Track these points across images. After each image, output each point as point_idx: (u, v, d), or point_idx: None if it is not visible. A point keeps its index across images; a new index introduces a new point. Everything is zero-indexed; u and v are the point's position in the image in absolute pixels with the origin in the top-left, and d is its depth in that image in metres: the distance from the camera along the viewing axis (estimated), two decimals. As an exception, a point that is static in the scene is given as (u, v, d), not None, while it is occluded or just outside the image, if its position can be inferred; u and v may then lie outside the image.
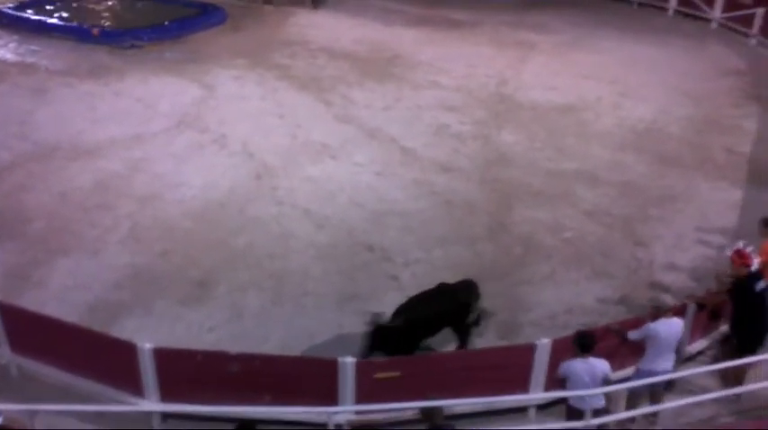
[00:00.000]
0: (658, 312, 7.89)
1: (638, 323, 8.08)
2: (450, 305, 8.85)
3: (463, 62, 18.77)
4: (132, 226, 11.66)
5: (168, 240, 11.35)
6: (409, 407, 7.55)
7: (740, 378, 8.30)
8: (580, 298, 10.26)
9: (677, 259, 11.17)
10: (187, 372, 7.94)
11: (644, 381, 7.75)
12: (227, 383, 7.89)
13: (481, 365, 8.14)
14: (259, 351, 8.50)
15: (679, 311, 8.32)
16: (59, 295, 10.02)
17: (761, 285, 8.18)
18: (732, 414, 8.16)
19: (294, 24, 21.54)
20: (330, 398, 7.83)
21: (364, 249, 11.31)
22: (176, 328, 9.51)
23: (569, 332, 8.34)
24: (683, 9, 23.11)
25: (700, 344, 9.06)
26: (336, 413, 7.83)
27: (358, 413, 7.97)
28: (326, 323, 9.68)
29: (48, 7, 21.51)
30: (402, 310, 8.67)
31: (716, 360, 8.76)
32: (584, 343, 7.40)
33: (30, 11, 20.92)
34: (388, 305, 9.02)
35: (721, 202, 12.70)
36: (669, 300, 8.93)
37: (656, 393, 7.95)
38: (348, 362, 7.73)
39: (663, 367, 7.77)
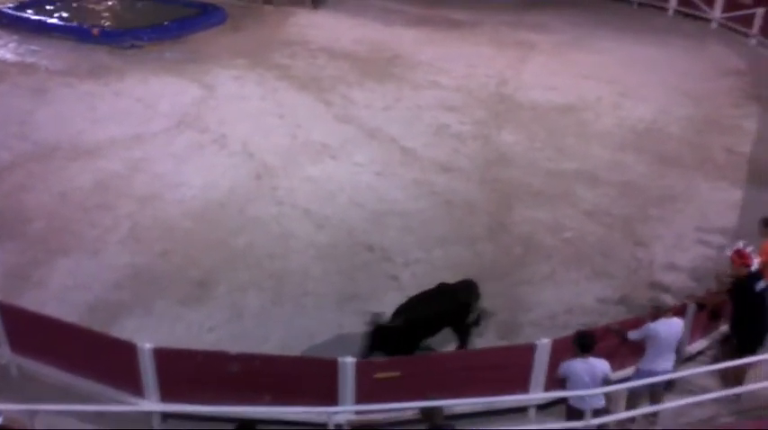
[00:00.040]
0: (658, 312, 7.89)
1: (638, 323, 8.08)
2: (450, 305, 8.85)
3: (463, 62, 18.77)
4: (132, 226, 11.66)
5: (168, 240, 11.35)
6: (409, 408, 7.55)
7: (740, 378, 8.30)
8: (580, 298, 10.26)
9: (677, 259, 11.17)
10: (187, 372, 7.94)
11: (644, 381, 7.74)
12: (228, 383, 7.89)
13: (481, 365, 8.14)
14: (259, 351, 8.50)
15: (679, 311, 8.32)
16: (59, 295, 10.02)
17: (761, 285, 8.18)
18: (732, 414, 8.16)
19: (294, 24, 21.54)
20: (330, 398, 7.82)
21: (364, 249, 11.30)
22: (176, 328, 9.51)
23: (569, 332, 8.34)
24: (682, 9, 23.12)
25: (700, 345, 9.05)
26: (336, 413, 7.84)
27: (358, 413, 7.96)
28: (326, 323, 9.67)
29: (48, 7, 21.51)
30: (402, 310, 8.67)
31: (716, 360, 8.75)
32: (584, 343, 7.39)
33: (30, 11, 20.92)
34: (388, 305, 9.02)
35: (721, 202, 12.70)
36: (669, 299, 8.93)
37: (655, 393, 7.95)
38: (348, 362, 7.72)
39: (663, 367, 7.77)
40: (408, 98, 16.68)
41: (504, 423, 8.09)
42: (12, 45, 19.18)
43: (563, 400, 7.84)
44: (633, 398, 7.98)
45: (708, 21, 22.36)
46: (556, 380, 7.93)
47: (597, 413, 7.44)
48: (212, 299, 10.14)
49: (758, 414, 8.05)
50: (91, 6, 22.32)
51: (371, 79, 17.61)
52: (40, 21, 20.26)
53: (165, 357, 7.87)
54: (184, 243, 11.30)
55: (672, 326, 7.79)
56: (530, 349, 8.11)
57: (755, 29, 20.84)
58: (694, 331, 8.84)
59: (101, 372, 8.15)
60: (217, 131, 14.80)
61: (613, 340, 8.16)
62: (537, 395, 8.20)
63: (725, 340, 8.83)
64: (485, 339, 9.33)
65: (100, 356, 8.11)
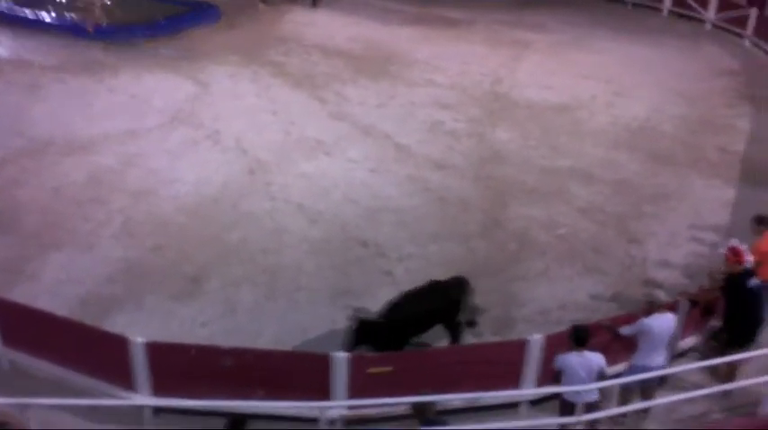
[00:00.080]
0: (652, 307, 7.89)
1: (630, 319, 8.10)
2: (442, 302, 8.86)
3: (458, 60, 18.77)
4: (125, 221, 11.63)
5: (161, 235, 11.33)
6: (402, 403, 7.54)
7: (731, 374, 8.32)
8: (573, 294, 10.28)
9: (670, 256, 11.21)
10: (179, 367, 7.92)
11: (637, 377, 7.75)
12: (220, 378, 7.87)
13: (474, 361, 8.14)
14: (252, 346, 8.49)
15: (672, 308, 8.33)
16: (51, 289, 9.99)
17: (753, 282, 8.21)
18: (723, 410, 8.18)
19: (289, 22, 21.50)
20: (323, 392, 7.82)
21: (358, 245, 11.30)
22: (169, 323, 9.50)
23: (562, 328, 8.36)
24: (677, 10, 23.17)
25: (692, 341, 9.06)
26: (329, 408, 7.83)
27: (351, 408, 7.96)
28: (320, 318, 9.67)
29: (42, 3, 21.38)
30: (390, 306, 8.68)
31: (707, 356, 8.76)
32: (579, 336, 7.41)
33: (24, 7, 20.80)
34: (381, 300, 9.03)
35: (714, 200, 12.75)
36: (662, 296, 8.93)
37: (648, 389, 7.96)
38: (341, 356, 7.73)
39: (656, 362, 7.79)
40: (403, 95, 16.67)
41: (496, 418, 8.09)
42: (6, 41, 19.08)
43: (555, 396, 7.85)
44: (626, 394, 7.99)
45: (702, 21, 22.42)
46: (548, 376, 7.95)
47: (590, 407, 7.46)
48: (205, 294, 10.13)
49: (748, 410, 8.07)
50: (85, 2, 22.20)
51: (366, 77, 17.60)
52: (34, 17, 20.16)
53: (157, 351, 7.85)
54: (178, 238, 11.28)
55: (665, 322, 7.81)
56: (522, 345, 8.11)
57: (749, 30, 20.91)
58: (686, 327, 8.85)
59: (93, 367, 8.13)
60: (211, 128, 14.77)
61: (605, 336, 8.17)
62: (530, 390, 8.21)
63: (715, 335, 8.82)
64: (478, 335, 9.32)
65: (92, 350, 8.09)
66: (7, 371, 8.56)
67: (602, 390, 7.59)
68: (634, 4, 24.04)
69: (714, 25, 22.17)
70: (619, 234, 11.73)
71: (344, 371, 7.76)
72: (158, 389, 7.98)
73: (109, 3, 22.01)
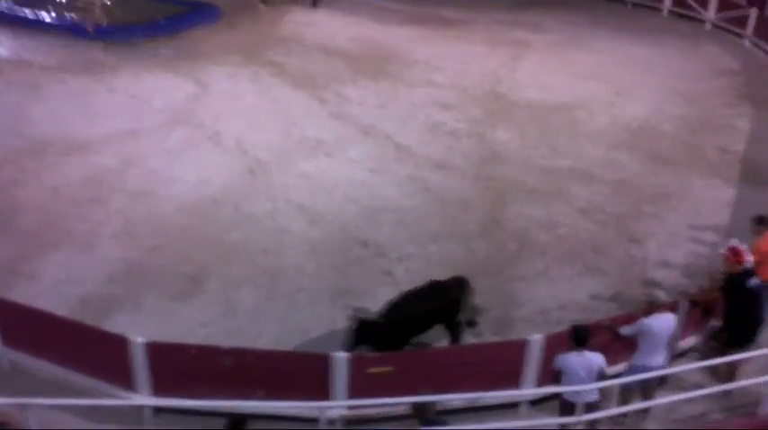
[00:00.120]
0: (652, 307, 7.89)
1: (630, 319, 8.09)
2: (441, 302, 8.85)
3: (458, 60, 18.76)
4: (125, 221, 11.63)
5: (161, 235, 11.32)
6: (401, 403, 7.54)
7: (731, 374, 8.32)
8: (573, 294, 10.28)
9: (670, 256, 11.20)
10: (179, 367, 7.91)
11: (638, 377, 7.74)
12: (220, 378, 7.87)
13: (474, 361, 8.14)
14: (252, 346, 8.48)
15: (672, 308, 8.32)
16: (51, 289, 9.98)
17: (753, 282, 8.21)
18: (723, 410, 8.17)
19: (289, 22, 21.48)
20: (323, 392, 7.82)
21: (358, 245, 11.30)
22: (169, 324, 9.48)
23: (562, 328, 8.37)
24: (677, 10, 23.17)
25: (691, 341, 9.06)
26: (329, 408, 7.83)
27: (350, 408, 7.96)
28: (320, 318, 9.67)
29: (42, 3, 21.37)
30: (390, 306, 8.67)
31: (707, 356, 8.76)
32: (579, 336, 7.40)
33: (24, 7, 20.79)
34: (381, 300, 9.04)
35: (714, 201, 12.75)
36: (662, 296, 8.93)
37: (648, 388, 7.96)
38: (341, 356, 7.73)
39: (656, 362, 7.78)
40: (403, 96, 16.67)
41: (496, 418, 8.09)
42: (5, 41, 19.09)
43: (555, 396, 7.84)
44: (626, 394, 7.99)
45: (702, 21, 22.42)
46: (548, 376, 7.94)
47: (590, 407, 7.46)
48: (205, 294, 10.13)
49: (748, 410, 8.06)
50: (86, 2, 22.20)
51: (366, 77, 17.59)
52: (34, 16, 20.16)
53: (157, 351, 7.85)
54: (177, 238, 11.28)
55: (665, 322, 7.81)
56: (522, 345, 8.11)
57: (749, 30, 20.91)
58: (687, 328, 8.85)
59: (93, 367, 8.13)
60: (211, 128, 14.77)
61: (605, 336, 8.16)
62: (530, 391, 8.21)
63: (715, 334, 8.81)
64: (478, 335, 9.32)
65: (92, 350, 8.09)
66: (7, 371, 8.56)
67: (602, 390, 7.59)
68: (634, 4, 24.02)
69: (714, 25, 22.17)
70: (619, 234, 11.73)
71: (344, 371, 7.76)
72: (158, 390, 7.98)
73: (109, 3, 21.99)
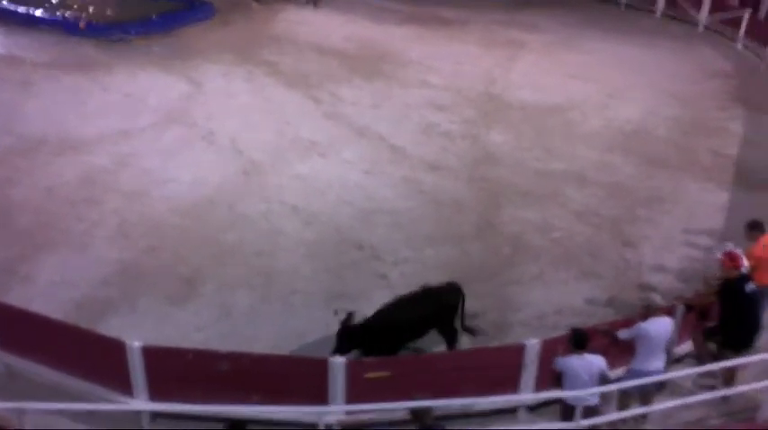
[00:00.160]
0: (648, 311, 7.91)
1: (627, 324, 8.10)
2: (434, 307, 8.80)
3: (452, 61, 18.77)
4: (120, 221, 11.57)
5: (156, 236, 11.28)
6: (399, 408, 7.53)
7: (730, 379, 8.36)
8: (569, 298, 10.30)
9: (665, 260, 11.24)
10: (176, 371, 7.88)
11: (636, 382, 7.77)
12: (217, 382, 7.84)
13: (471, 366, 8.14)
14: (248, 350, 8.44)
15: (669, 312, 8.35)
16: (46, 291, 9.92)
17: (750, 287, 8.24)
18: (722, 415, 8.21)
19: (283, 20, 21.42)
20: (320, 397, 7.80)
21: (353, 247, 11.29)
22: (164, 327, 9.44)
23: (559, 332, 8.41)
24: (670, 12, 23.25)
25: (688, 346, 9.09)
26: (327, 413, 7.82)
27: (348, 413, 7.94)
28: (315, 322, 9.63)
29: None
30: (379, 311, 8.66)
31: (703, 361, 8.78)
32: (578, 339, 7.43)
33: (15, 2, 20.63)
34: (376, 304, 9.00)
35: (708, 204, 12.80)
36: (659, 300, 8.95)
37: (646, 393, 7.98)
38: (338, 361, 7.71)
39: (654, 367, 7.80)
40: (397, 96, 16.65)
41: (493, 423, 8.10)
42: (-3, 37, 19.00)
43: (553, 401, 7.86)
44: (624, 399, 8.01)
45: (695, 23, 22.50)
46: (546, 380, 7.96)
47: (590, 410, 7.47)
48: (200, 296, 10.09)
49: (747, 415, 8.11)
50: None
51: (360, 77, 17.57)
52: (26, 13, 20.00)
53: (154, 355, 7.81)
54: (172, 239, 11.23)
55: (662, 326, 7.83)
56: (519, 349, 8.12)
57: (742, 32, 21.00)
58: (683, 332, 8.88)
59: (89, 371, 8.07)
60: (205, 127, 14.71)
61: (602, 341, 8.18)
62: (527, 396, 8.21)
63: (709, 334, 8.82)
64: (474, 339, 9.31)
65: (88, 354, 8.04)
66: (3, 375, 8.49)
67: (602, 394, 7.61)
68: (627, 6, 24.10)
69: (707, 27, 22.26)
70: (613, 237, 11.76)
71: (342, 376, 7.74)
72: (155, 394, 7.93)
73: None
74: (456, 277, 9.51)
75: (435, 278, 9.44)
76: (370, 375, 7.82)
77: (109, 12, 21.06)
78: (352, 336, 8.36)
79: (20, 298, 9.28)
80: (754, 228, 9.22)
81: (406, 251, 11.25)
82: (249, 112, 15.53)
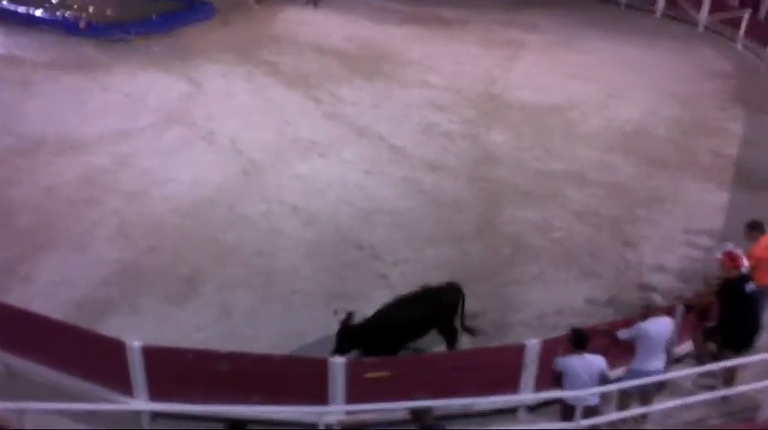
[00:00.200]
0: (648, 311, 7.91)
1: (627, 324, 8.10)
2: (434, 307, 8.79)
3: (452, 61, 18.78)
4: (120, 222, 11.57)
5: (156, 236, 11.28)
6: (400, 408, 7.53)
7: (730, 379, 8.36)
8: (569, 298, 10.30)
9: (665, 260, 11.24)
10: (176, 371, 7.88)
11: (636, 382, 7.77)
12: (217, 382, 7.84)
13: (471, 366, 8.14)
14: (248, 350, 8.44)
15: (669, 312, 8.35)
16: (46, 291, 9.92)
17: (750, 287, 8.24)
18: (722, 415, 8.21)
19: (283, 20, 21.43)
20: (320, 397, 7.80)
21: (353, 247, 11.29)
22: (164, 327, 9.44)
23: (559, 332, 8.41)
24: (670, 12, 23.26)
25: (688, 347, 9.10)
26: (327, 413, 7.82)
27: (348, 413, 7.93)
28: (315, 322, 9.63)
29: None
30: (379, 311, 8.65)
31: (703, 361, 8.78)
32: (579, 339, 7.43)
33: (15, 2, 20.63)
34: (376, 304, 8.99)
35: (708, 204, 12.80)
36: (659, 300, 8.97)
37: (647, 393, 7.99)
38: (338, 361, 7.70)
39: (655, 367, 7.80)
40: (397, 96, 16.66)
41: (494, 423, 8.10)
42: (-3, 37, 19.00)
43: (553, 401, 7.86)
44: (624, 399, 8.01)
45: (695, 23, 22.51)
46: (546, 380, 7.96)
47: (590, 410, 7.48)
48: (200, 296, 10.09)
49: (747, 415, 8.11)
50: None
51: (360, 77, 17.58)
52: (26, 13, 20.00)
53: (154, 355, 7.81)
54: (172, 239, 11.23)
55: (662, 325, 7.83)
56: (519, 349, 8.12)
57: (742, 32, 21.01)
58: (683, 333, 8.88)
59: (89, 371, 8.07)
60: (205, 127, 14.72)
61: (602, 341, 8.18)
62: (527, 396, 8.21)
63: (709, 334, 8.83)
64: (474, 339, 9.32)
65: (88, 354, 8.04)
66: (3, 375, 8.49)
67: (602, 394, 7.61)
68: (627, 6, 24.11)
69: (707, 27, 22.27)
70: (613, 237, 11.77)
71: (342, 375, 7.74)
72: (155, 394, 7.93)
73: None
74: (456, 277, 9.52)
75: (435, 278, 9.43)
76: (370, 375, 7.82)
77: (109, 12, 21.06)
78: (351, 336, 8.35)
79: (20, 298, 9.28)
80: (754, 228, 9.22)
81: (406, 251, 11.25)
82: (249, 112, 15.53)
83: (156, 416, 8.03)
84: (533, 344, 8.06)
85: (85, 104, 15.47)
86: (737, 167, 14.10)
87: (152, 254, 10.90)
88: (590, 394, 7.44)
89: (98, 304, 9.77)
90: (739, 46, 20.95)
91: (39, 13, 19.99)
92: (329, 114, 15.65)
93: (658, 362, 7.86)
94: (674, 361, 8.77)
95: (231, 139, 14.26)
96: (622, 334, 8.00)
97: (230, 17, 21.21)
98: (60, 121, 14.60)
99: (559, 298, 10.29)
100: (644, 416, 8.00)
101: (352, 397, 7.81)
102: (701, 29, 22.31)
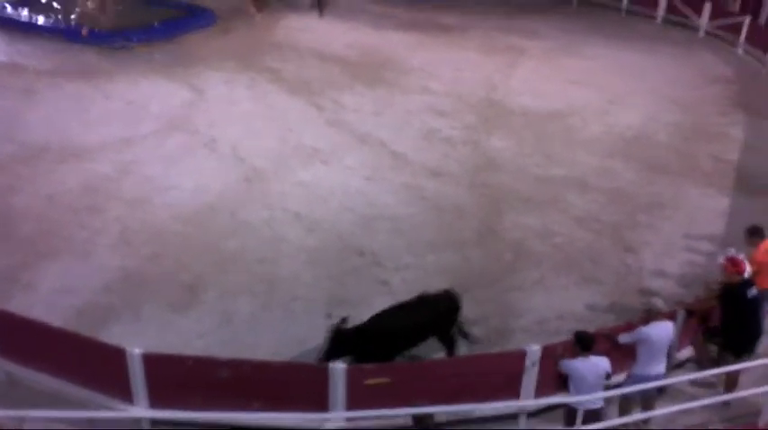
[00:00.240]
0: (650, 315, 7.91)
1: (628, 330, 8.11)
2: (429, 315, 8.77)
3: (453, 67, 18.84)
4: (122, 229, 11.60)
5: (158, 244, 11.29)
6: (400, 414, 7.54)
7: (732, 384, 8.36)
8: (570, 304, 10.29)
9: (666, 266, 11.24)
10: (177, 378, 7.88)
11: (638, 387, 7.76)
12: (217, 389, 7.84)
13: (472, 372, 8.13)
14: (249, 357, 8.46)
15: (670, 317, 8.35)
16: (47, 299, 9.93)
17: (753, 292, 8.24)
18: (723, 420, 8.20)
19: (284, 27, 21.51)
20: (321, 404, 7.81)
21: (355, 254, 11.30)
22: (166, 334, 9.43)
23: (560, 338, 8.40)
24: (671, 17, 23.30)
25: (689, 352, 9.09)
26: (327, 420, 7.82)
27: (349, 420, 7.94)
28: (317, 328, 9.57)
29: (37, 6, 21.32)
30: (374, 316, 8.64)
31: (704, 367, 8.78)
32: (584, 342, 7.45)
33: (19, 10, 20.73)
34: (377, 311, 8.97)
35: (709, 210, 12.80)
36: (660, 304, 8.97)
37: (648, 398, 7.99)
38: (339, 368, 7.71)
39: (656, 371, 7.80)
40: (399, 103, 16.70)
41: (495, 429, 8.10)
42: (0, 45, 19.03)
43: (554, 406, 7.86)
44: (626, 404, 8.01)
45: (695, 29, 22.55)
46: (547, 386, 7.96)
47: (594, 414, 7.48)
48: (202, 303, 10.09)
49: (748, 420, 8.10)
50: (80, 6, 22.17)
51: (362, 83, 17.63)
52: (28, 20, 20.10)
53: (154, 363, 7.81)
54: (174, 247, 11.25)
55: (663, 330, 7.82)
56: (521, 355, 8.12)
57: (742, 37, 21.04)
58: (684, 337, 8.88)
59: (90, 378, 8.07)
60: (207, 134, 14.76)
61: (603, 345, 8.18)
62: (528, 402, 8.20)
63: (710, 336, 8.82)
64: (471, 346, 9.30)
65: (89, 362, 8.04)
66: (4, 383, 8.50)
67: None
68: (628, 12, 24.15)
69: (707, 33, 22.33)
70: (614, 243, 11.77)
71: (342, 382, 7.74)
72: (155, 401, 7.94)
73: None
74: (457, 283, 9.55)
75: (437, 284, 9.43)
76: (370, 382, 7.82)
77: (111, 19, 21.15)
78: (344, 341, 8.28)
79: (21, 305, 9.29)
80: (755, 233, 9.22)
81: (407, 257, 11.26)
82: (251, 119, 15.58)
83: (156, 423, 8.01)
84: (534, 350, 8.05)
85: (88, 112, 15.53)
86: (738, 173, 14.11)
87: (154, 261, 10.92)
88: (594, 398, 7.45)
89: (100, 311, 9.78)
90: (740, 51, 20.99)
91: (41, 20, 20.08)
92: (331, 121, 15.69)
93: (660, 366, 7.86)
94: (675, 366, 8.77)
95: (233, 147, 14.30)
96: (623, 338, 8.00)
97: (232, 24, 21.29)
98: (63, 129, 14.66)
99: (561, 303, 10.29)
100: (645, 421, 7.99)
101: (352, 403, 7.81)
102: (701, 34, 22.38)
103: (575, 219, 12.37)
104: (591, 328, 8.89)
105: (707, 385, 8.67)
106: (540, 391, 8.18)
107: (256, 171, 13.49)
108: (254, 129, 15.11)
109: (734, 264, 8.27)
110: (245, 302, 10.13)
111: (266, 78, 17.66)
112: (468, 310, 9.12)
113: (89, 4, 22.24)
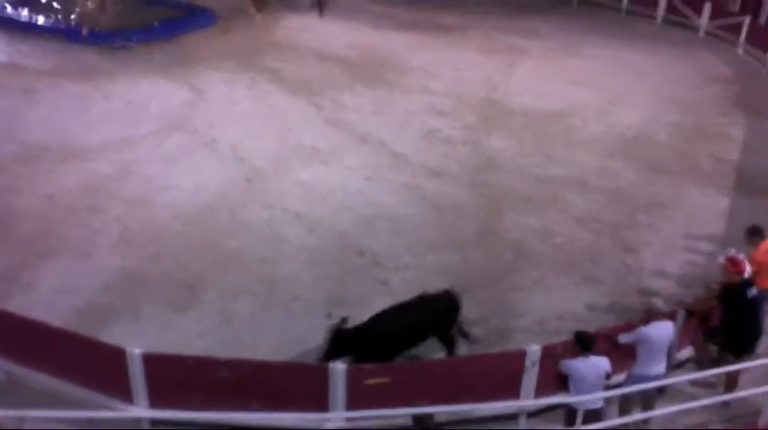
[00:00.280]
0: (650, 315, 7.91)
1: (629, 329, 8.11)
2: (429, 315, 8.77)
3: (453, 67, 18.84)
4: (122, 229, 11.60)
5: (158, 244, 11.29)
6: (400, 414, 7.54)
7: (732, 384, 8.36)
8: (570, 304, 10.29)
9: (666, 266, 11.24)
10: (177, 378, 7.88)
11: (639, 387, 7.76)
12: (217, 389, 7.84)
13: (472, 372, 8.13)
14: (249, 357, 8.46)
15: (670, 316, 8.35)
16: (47, 299, 9.93)
17: (753, 292, 8.25)
18: (723, 421, 8.20)
19: (284, 27, 21.51)
20: (321, 404, 7.81)
21: (355, 254, 11.30)
22: (166, 334, 9.43)
23: (560, 338, 8.40)
24: (671, 17, 23.31)
25: (689, 352, 9.09)
26: (327, 420, 7.82)
27: (349, 420, 7.94)
28: (316, 328, 9.57)
29: (37, 6, 21.33)
30: (374, 316, 8.64)
31: (704, 367, 8.78)
32: (584, 341, 7.45)
33: (19, 10, 20.73)
34: (377, 311, 8.98)
35: (709, 210, 12.80)
36: (660, 304, 8.98)
37: (648, 398, 7.99)
38: (339, 368, 7.71)
39: (656, 371, 7.81)
40: (399, 103, 16.70)
41: (495, 429, 8.10)
42: (0, 45, 19.04)
43: (555, 406, 7.86)
44: (625, 404, 8.01)
45: (695, 29, 22.55)
46: (547, 386, 7.95)
47: (594, 413, 7.48)
48: (202, 303, 10.09)
49: (748, 420, 8.10)
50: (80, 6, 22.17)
51: (362, 83, 17.63)
52: (28, 20, 20.10)
53: (154, 363, 7.81)
54: (174, 246, 11.25)
55: (663, 330, 7.82)
56: (521, 355, 8.12)
57: (743, 37, 21.05)
58: (684, 338, 8.88)
59: (90, 378, 8.07)
60: (207, 134, 14.76)
61: (603, 345, 8.18)
62: (528, 402, 8.21)
63: (710, 336, 8.82)
64: (471, 345, 9.30)
65: (89, 362, 8.03)
66: (4, 383, 8.51)
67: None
68: (628, 12, 24.15)
69: (707, 33, 22.33)
70: (614, 243, 11.77)
71: (342, 382, 7.74)
72: (155, 401, 7.94)
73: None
74: (457, 283, 9.55)
75: (437, 284, 9.43)
76: (370, 382, 7.82)
77: (111, 19, 21.15)
78: (344, 341, 8.28)
79: (21, 305, 9.29)
80: (755, 233, 9.23)
81: (407, 257, 11.26)
82: (251, 119, 15.58)
83: (156, 423, 8.01)
84: (534, 350, 8.05)
85: (88, 112, 15.53)
86: (738, 172, 14.11)
87: (154, 261, 10.92)
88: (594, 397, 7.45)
89: (100, 311, 9.78)
90: (740, 51, 20.99)
91: (41, 20, 20.08)
92: (331, 121, 15.69)
93: (660, 366, 7.86)
94: (675, 366, 8.77)
95: (233, 146, 14.30)
96: (623, 337, 8.00)
97: (232, 24, 21.29)
98: (63, 129, 14.66)
99: (561, 303, 10.29)
100: (645, 421, 7.99)
101: (352, 403, 7.81)
102: (701, 34, 22.38)
103: (575, 219, 12.37)
104: (591, 328, 8.90)
105: (707, 385, 8.68)
106: (540, 391, 8.18)
107: (256, 171, 13.49)
108: (253, 129, 15.11)
109: (734, 264, 8.28)
110: (244, 302, 10.13)
111: (266, 78, 17.67)
112: (468, 310, 9.12)
113: (89, 4, 22.26)
